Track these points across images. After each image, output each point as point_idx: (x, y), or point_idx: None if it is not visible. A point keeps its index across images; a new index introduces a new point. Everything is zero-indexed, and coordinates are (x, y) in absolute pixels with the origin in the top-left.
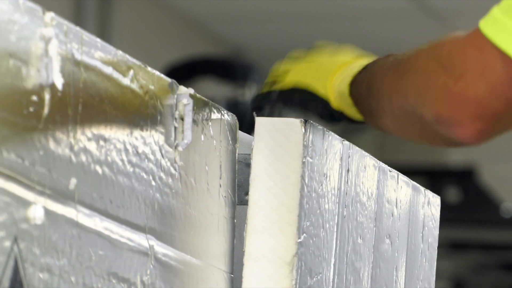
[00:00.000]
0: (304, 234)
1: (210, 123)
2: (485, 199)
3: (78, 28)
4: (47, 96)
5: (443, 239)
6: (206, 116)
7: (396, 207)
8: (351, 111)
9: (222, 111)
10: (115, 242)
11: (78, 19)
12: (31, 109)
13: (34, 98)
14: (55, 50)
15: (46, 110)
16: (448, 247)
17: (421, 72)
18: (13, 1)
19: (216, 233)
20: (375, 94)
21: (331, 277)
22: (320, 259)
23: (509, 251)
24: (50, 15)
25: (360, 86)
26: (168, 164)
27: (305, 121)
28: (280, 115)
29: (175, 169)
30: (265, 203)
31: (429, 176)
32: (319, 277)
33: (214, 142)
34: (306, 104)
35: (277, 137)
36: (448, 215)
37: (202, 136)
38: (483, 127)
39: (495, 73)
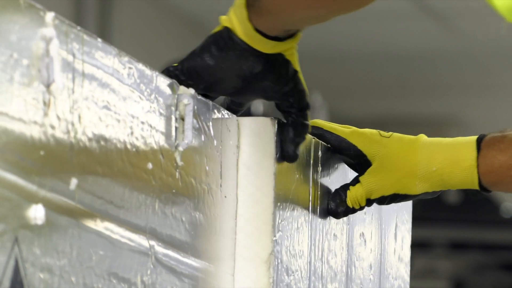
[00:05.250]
0: (280, 232)
1: (210, 123)
2: (485, 199)
3: (78, 28)
4: (48, 96)
5: (443, 239)
6: (206, 116)
7: (368, 205)
8: (253, 35)
9: (222, 111)
10: (115, 242)
11: (78, 19)
12: (32, 109)
13: (35, 98)
14: (56, 50)
15: (46, 110)
16: (448, 247)
17: None
18: (14, 0)
19: (217, 233)
20: None
21: (308, 274)
22: (296, 257)
23: (509, 251)
24: (51, 15)
25: None
26: (169, 164)
27: (276, 119)
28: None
29: (176, 169)
30: (240, 202)
31: None
32: (296, 275)
33: (215, 142)
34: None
35: (249, 136)
36: (448, 215)
37: (203, 136)
38: None
39: None
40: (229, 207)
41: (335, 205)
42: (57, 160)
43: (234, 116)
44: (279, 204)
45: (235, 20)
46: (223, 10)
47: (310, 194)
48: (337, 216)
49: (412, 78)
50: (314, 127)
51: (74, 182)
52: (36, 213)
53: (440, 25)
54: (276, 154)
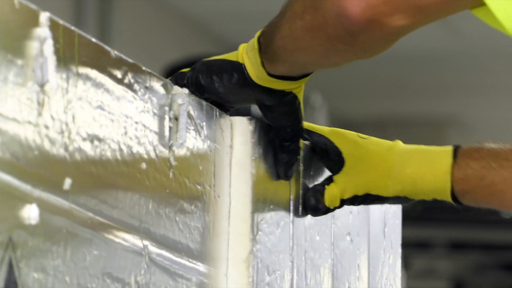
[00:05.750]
0: (259, 232)
1: (204, 123)
2: None
3: (73, 28)
4: (42, 96)
5: (443, 239)
6: (200, 116)
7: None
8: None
9: (216, 111)
10: (109, 242)
11: (78, 19)
12: (26, 108)
13: (29, 98)
14: (50, 50)
15: (41, 110)
16: (448, 247)
17: None
18: (9, 0)
19: (210, 233)
20: (277, 25)
21: (290, 274)
22: (277, 256)
23: (509, 251)
24: (45, 15)
25: (264, 33)
26: (162, 164)
27: (253, 119)
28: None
29: (169, 169)
30: (232, 202)
31: None
32: (277, 274)
33: (208, 142)
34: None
35: (227, 135)
36: (448, 215)
37: (197, 136)
38: (373, 3)
39: None
40: (222, 207)
41: (316, 201)
42: (51, 160)
43: (228, 116)
44: (258, 203)
45: (248, 63)
46: (223, 10)
47: (292, 193)
48: (317, 212)
49: (412, 78)
50: None
51: (68, 182)
52: (30, 213)
53: (440, 25)
54: (254, 154)
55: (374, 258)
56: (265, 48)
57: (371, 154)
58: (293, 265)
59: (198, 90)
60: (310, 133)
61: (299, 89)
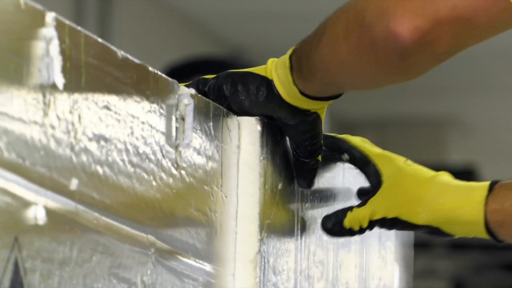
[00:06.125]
0: (266, 232)
1: (211, 123)
2: None
3: (79, 28)
4: (48, 96)
5: (443, 239)
6: (207, 116)
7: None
8: (299, 97)
9: (223, 111)
10: (115, 242)
11: (78, 19)
12: (32, 109)
13: (35, 98)
14: (56, 50)
15: (47, 110)
16: (448, 247)
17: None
18: (14, 0)
19: (217, 233)
20: (313, 43)
21: (297, 274)
22: (284, 256)
23: (509, 251)
24: (51, 15)
25: (297, 52)
26: (169, 164)
27: (262, 119)
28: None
29: (176, 169)
30: (240, 203)
31: None
32: (283, 275)
33: (216, 142)
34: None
35: (235, 135)
36: None
37: (203, 136)
38: (422, 25)
39: None
40: (230, 207)
41: (331, 225)
42: (58, 160)
43: (235, 116)
44: (266, 204)
45: (277, 80)
46: (223, 10)
47: (299, 193)
48: (332, 235)
49: None
50: (343, 142)
51: (74, 182)
52: (37, 213)
53: None
54: (261, 154)
55: (368, 259)
56: (298, 68)
57: (407, 179)
58: (297, 265)
59: (219, 99)
60: (356, 151)
61: (323, 109)
